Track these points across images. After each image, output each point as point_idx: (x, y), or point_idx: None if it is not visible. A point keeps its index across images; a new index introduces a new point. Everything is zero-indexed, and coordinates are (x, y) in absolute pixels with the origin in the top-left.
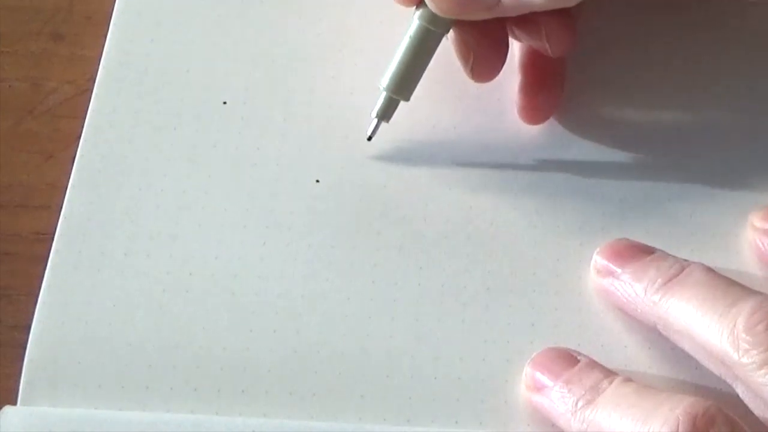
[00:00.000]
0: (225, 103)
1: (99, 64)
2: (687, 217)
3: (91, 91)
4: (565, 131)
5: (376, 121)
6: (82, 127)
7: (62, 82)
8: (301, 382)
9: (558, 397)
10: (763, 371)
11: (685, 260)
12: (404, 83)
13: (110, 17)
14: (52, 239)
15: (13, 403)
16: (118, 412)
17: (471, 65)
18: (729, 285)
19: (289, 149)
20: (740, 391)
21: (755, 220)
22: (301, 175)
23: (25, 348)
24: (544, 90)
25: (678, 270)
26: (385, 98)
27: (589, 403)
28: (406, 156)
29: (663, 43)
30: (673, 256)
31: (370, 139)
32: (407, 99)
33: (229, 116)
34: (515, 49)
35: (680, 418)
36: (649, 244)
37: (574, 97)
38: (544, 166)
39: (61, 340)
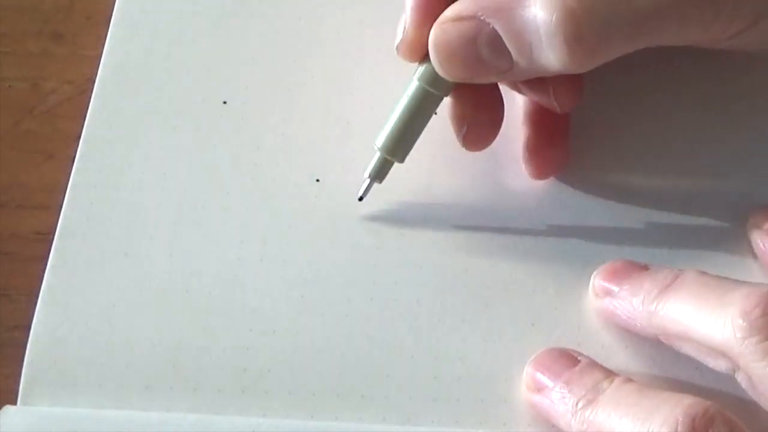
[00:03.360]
0: (225, 103)
1: (99, 64)
2: (687, 218)
3: (91, 91)
4: None
5: (368, 181)
6: (82, 127)
7: (62, 82)
8: (301, 382)
9: (558, 398)
10: (764, 363)
11: (680, 270)
12: (400, 145)
13: (110, 17)
14: (52, 239)
15: (13, 403)
16: (118, 412)
17: (464, 134)
18: (720, 280)
19: (289, 149)
20: (743, 381)
21: (755, 219)
22: (301, 175)
23: (25, 348)
24: (552, 145)
25: (672, 279)
26: (379, 158)
27: (589, 403)
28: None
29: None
30: (669, 268)
31: (361, 199)
32: (401, 161)
33: (229, 116)
34: (519, 103)
35: (679, 418)
36: (649, 244)
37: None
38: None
39: (61, 340)
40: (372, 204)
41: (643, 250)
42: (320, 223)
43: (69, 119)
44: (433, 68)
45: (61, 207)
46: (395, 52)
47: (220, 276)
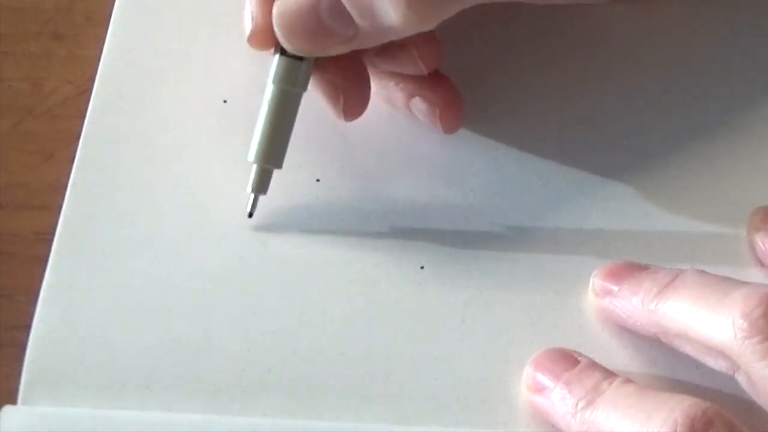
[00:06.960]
0: (225, 102)
1: (99, 64)
2: (687, 218)
3: (91, 91)
4: (554, 136)
5: (253, 196)
6: (82, 127)
7: (62, 82)
8: (301, 382)
9: (558, 398)
10: (764, 363)
11: (680, 269)
12: (273, 151)
13: (110, 17)
14: (52, 239)
15: (13, 403)
16: (118, 412)
17: (342, 105)
18: (721, 280)
19: (289, 149)
20: (743, 381)
21: (755, 220)
22: (301, 175)
23: (25, 348)
24: (450, 98)
25: (672, 278)
26: (257, 170)
27: (589, 404)
28: (397, 147)
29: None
30: (669, 267)
31: (251, 215)
32: (279, 166)
33: (229, 116)
34: (396, 93)
35: (679, 419)
36: (649, 244)
37: (550, 103)
38: (542, 161)
39: (61, 340)
40: (370, 202)
41: (643, 250)
42: (320, 223)
43: (69, 119)
44: (285, 66)
45: (61, 207)
46: (247, 45)
47: (220, 276)
